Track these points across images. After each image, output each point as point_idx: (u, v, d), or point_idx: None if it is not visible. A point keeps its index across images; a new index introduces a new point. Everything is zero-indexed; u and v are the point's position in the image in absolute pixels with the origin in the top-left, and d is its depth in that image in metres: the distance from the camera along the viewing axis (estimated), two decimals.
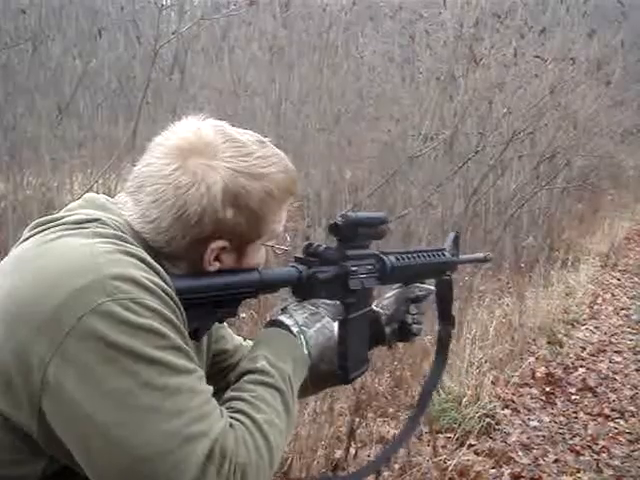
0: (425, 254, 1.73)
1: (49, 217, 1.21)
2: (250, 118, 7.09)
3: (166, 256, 1.23)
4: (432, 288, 1.75)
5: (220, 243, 1.24)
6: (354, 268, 1.49)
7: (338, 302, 1.46)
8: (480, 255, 2.07)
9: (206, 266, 1.25)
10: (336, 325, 1.43)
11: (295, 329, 1.33)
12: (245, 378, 1.23)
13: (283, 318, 1.35)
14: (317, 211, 7.28)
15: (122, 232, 1.18)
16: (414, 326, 1.69)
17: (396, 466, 3.83)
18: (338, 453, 3.74)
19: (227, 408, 1.16)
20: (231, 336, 1.61)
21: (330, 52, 8.16)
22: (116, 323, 1.02)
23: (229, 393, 1.22)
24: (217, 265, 1.26)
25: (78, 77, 5.79)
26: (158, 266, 1.15)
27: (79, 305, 1.02)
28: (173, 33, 5.77)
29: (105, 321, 1.02)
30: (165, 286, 1.12)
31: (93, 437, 1.01)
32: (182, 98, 6.10)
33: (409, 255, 1.68)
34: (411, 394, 4.70)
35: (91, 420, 1.01)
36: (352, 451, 3.81)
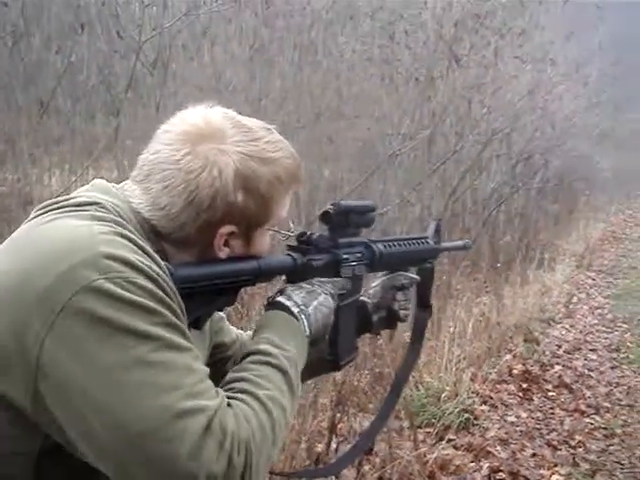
0: (410, 242, 1.76)
1: (54, 200, 1.22)
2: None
3: (176, 242, 1.24)
4: (416, 277, 1.77)
5: (229, 228, 1.25)
6: (345, 256, 1.52)
7: (333, 279, 1.47)
8: (460, 243, 2.11)
9: (216, 251, 1.26)
10: (333, 301, 1.44)
11: (295, 309, 1.34)
12: (248, 359, 1.24)
13: (282, 299, 1.36)
14: (295, 208, 7.29)
15: (121, 217, 1.19)
16: (401, 312, 1.72)
17: (377, 460, 3.85)
18: (320, 447, 3.75)
19: (228, 389, 1.17)
20: (229, 329, 1.62)
21: (310, 50, 8.18)
22: (109, 300, 1.02)
23: (231, 374, 1.22)
24: (227, 251, 1.27)
25: (59, 72, 5.75)
26: (153, 252, 1.16)
27: (72, 282, 1.03)
28: (154, 29, 5.77)
29: (98, 298, 1.02)
30: (159, 271, 1.12)
31: (88, 414, 1.02)
32: (163, 94, 6.08)
33: (395, 243, 1.71)
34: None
35: (86, 396, 1.01)
36: (333, 445, 3.83)
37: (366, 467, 3.76)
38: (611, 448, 4.71)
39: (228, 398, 1.13)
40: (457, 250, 2.17)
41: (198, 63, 7.28)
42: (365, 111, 8.19)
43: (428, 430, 4.40)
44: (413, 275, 1.76)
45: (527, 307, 7.50)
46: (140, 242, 1.14)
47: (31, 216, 1.21)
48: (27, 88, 5.95)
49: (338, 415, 3.93)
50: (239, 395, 1.15)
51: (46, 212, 1.19)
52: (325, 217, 1.50)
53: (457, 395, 4.76)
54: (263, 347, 1.25)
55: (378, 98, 8.26)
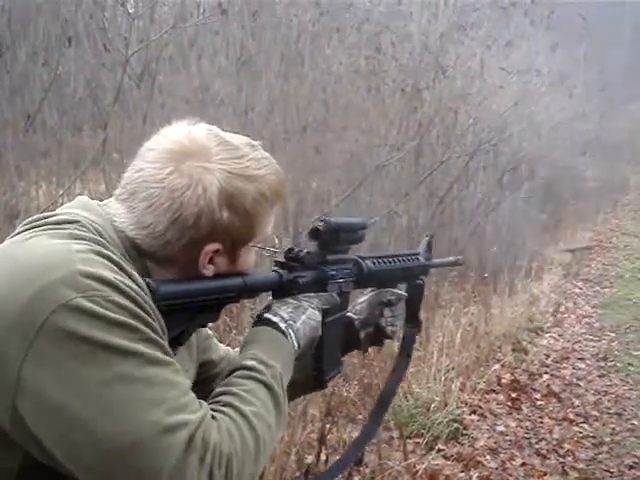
0: (400, 258, 1.77)
1: (37, 216, 1.22)
2: (217, 127, 7.07)
3: (159, 260, 1.23)
4: (404, 293, 1.77)
5: (214, 246, 1.24)
6: (333, 272, 1.51)
7: (319, 293, 1.47)
8: (451, 259, 2.12)
9: (201, 269, 1.26)
10: (320, 315, 1.44)
11: (282, 325, 1.34)
12: (234, 374, 1.24)
13: (269, 316, 1.36)
14: (282, 221, 7.29)
15: (101, 235, 1.18)
16: (388, 328, 1.71)
17: (367, 470, 3.85)
18: (309, 458, 3.75)
19: (215, 402, 1.17)
20: (217, 346, 1.62)
21: (297, 62, 8.20)
22: (87, 318, 1.02)
23: (218, 388, 1.22)
24: (212, 268, 1.27)
25: (45, 85, 5.74)
26: (132, 271, 1.15)
27: (50, 300, 1.02)
28: (141, 41, 5.77)
29: (76, 316, 1.02)
30: (137, 289, 1.12)
31: (72, 432, 1.01)
32: (150, 107, 6.08)
33: (385, 259, 1.71)
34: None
35: (69, 415, 1.01)
36: (323, 457, 3.82)
37: (356, 478, 3.76)
38: (600, 456, 4.73)
39: (213, 411, 1.13)
40: (448, 266, 2.18)
41: (185, 75, 7.28)
42: (352, 123, 8.21)
43: (417, 440, 4.40)
44: (400, 291, 1.76)
45: (515, 317, 7.53)
46: (118, 260, 1.14)
47: (16, 231, 1.21)
48: (13, 101, 5.93)
49: (328, 426, 3.93)
50: (224, 409, 1.15)
51: (29, 229, 1.18)
52: (314, 234, 1.49)
53: (446, 405, 4.77)
54: (249, 363, 1.25)
55: (365, 110, 8.29)
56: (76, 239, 1.14)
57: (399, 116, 7.93)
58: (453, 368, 5.34)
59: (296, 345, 1.35)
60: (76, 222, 1.18)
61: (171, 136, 1.26)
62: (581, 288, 10.89)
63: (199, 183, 1.20)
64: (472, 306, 7.38)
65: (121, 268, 1.13)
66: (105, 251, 1.13)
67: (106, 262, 1.11)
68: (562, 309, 9.21)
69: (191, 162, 1.21)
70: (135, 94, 6.34)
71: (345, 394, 4.55)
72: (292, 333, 1.34)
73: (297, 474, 3.50)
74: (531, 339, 7.37)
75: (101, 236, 1.18)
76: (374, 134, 7.90)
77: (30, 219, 1.21)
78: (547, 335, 7.75)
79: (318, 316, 1.42)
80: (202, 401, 1.13)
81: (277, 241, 1.44)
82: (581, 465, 4.56)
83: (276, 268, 1.44)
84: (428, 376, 5.07)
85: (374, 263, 1.66)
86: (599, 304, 9.83)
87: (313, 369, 1.51)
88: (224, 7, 5.68)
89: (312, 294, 1.45)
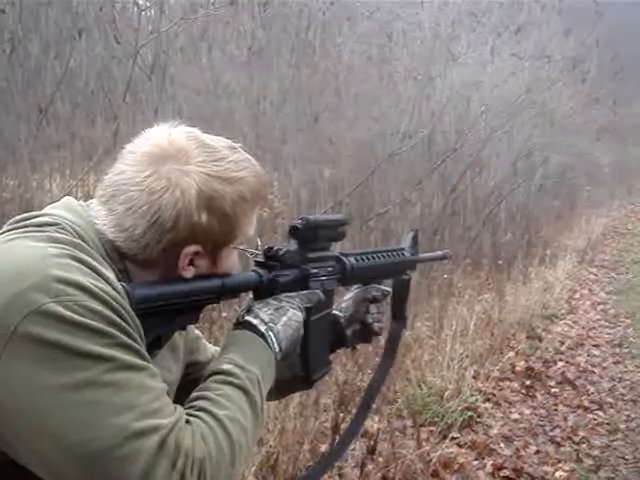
0: (384, 254, 1.75)
1: (22, 216, 1.22)
2: (229, 118, 7.10)
3: (140, 263, 1.24)
4: (389, 289, 1.75)
5: (194, 248, 1.24)
6: (315, 270, 1.50)
7: (301, 292, 1.46)
8: (439, 253, 2.08)
9: (180, 271, 1.26)
10: (302, 315, 1.42)
11: (262, 327, 1.33)
12: (211, 378, 1.24)
13: (249, 318, 1.35)
14: (297, 210, 7.30)
15: (82, 238, 1.19)
16: (375, 324, 1.70)
17: (380, 459, 3.87)
18: (323, 447, 3.76)
19: (190, 407, 1.17)
20: (205, 347, 1.61)
21: (308, 52, 8.19)
22: (59, 323, 1.02)
23: (194, 393, 1.22)
24: (192, 270, 1.27)
25: (58, 78, 5.76)
26: (109, 274, 1.16)
27: (22, 306, 1.02)
28: (152, 33, 5.78)
29: (47, 321, 1.02)
30: (114, 293, 1.12)
31: (42, 436, 1.02)
32: (161, 98, 6.09)
33: (368, 256, 1.69)
34: (393, 389, 4.74)
35: (39, 419, 1.01)
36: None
37: (370, 466, 3.77)
38: (615, 443, 4.72)
39: (188, 415, 1.13)
40: (435, 260, 2.15)
41: (196, 67, 7.29)
42: (364, 111, 8.20)
43: (431, 429, 4.41)
44: (385, 287, 1.74)
45: (529, 304, 7.51)
46: (95, 265, 1.14)
47: (2, 230, 1.21)
48: (26, 94, 5.96)
49: (341, 415, 3.94)
50: (198, 413, 1.15)
51: (12, 229, 1.19)
52: (293, 232, 1.47)
53: (460, 393, 4.77)
54: (226, 367, 1.24)
55: (377, 98, 8.28)
56: (54, 242, 1.14)
57: (411, 104, 7.91)
58: (467, 356, 5.33)
59: (277, 347, 1.33)
60: (56, 225, 1.18)
61: (151, 139, 1.26)
62: (596, 274, 10.84)
63: (177, 186, 1.20)
64: (486, 294, 7.36)
65: (98, 273, 1.13)
66: (82, 255, 1.13)
67: (82, 267, 1.11)
68: (577, 296, 9.17)
69: (170, 165, 1.22)
70: (147, 86, 6.35)
71: (359, 383, 4.56)
72: (272, 335, 1.33)
73: (310, 463, 3.51)
74: (545, 326, 7.35)
75: (82, 239, 1.18)
76: (386, 122, 7.89)
77: (14, 219, 1.22)
78: (561, 322, 7.72)
79: (300, 316, 1.41)
80: (178, 405, 1.14)
81: (260, 242, 1.43)
82: (596, 452, 4.56)
83: (256, 268, 1.43)
84: (442, 364, 5.07)
85: (357, 260, 1.64)
86: (614, 290, 9.79)
87: (300, 369, 1.50)
88: None
89: (293, 293, 1.43)
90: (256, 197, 1.31)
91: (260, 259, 1.45)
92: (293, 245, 1.47)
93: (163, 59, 6.19)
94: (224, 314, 4.44)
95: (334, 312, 1.63)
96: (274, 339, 1.34)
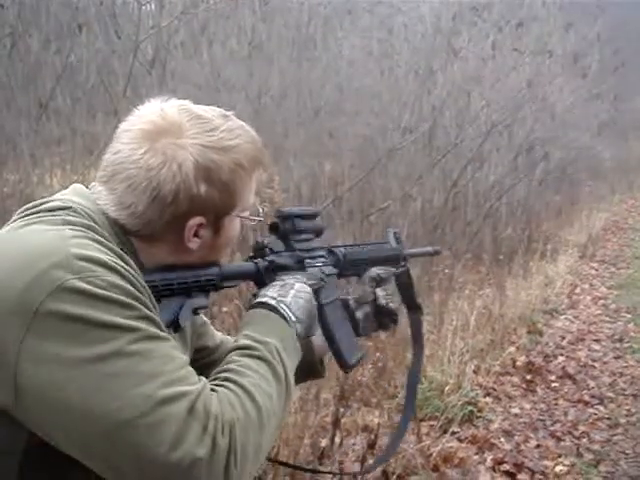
0: (371, 246, 1.79)
1: (32, 203, 1.24)
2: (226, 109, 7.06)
3: (145, 239, 1.26)
4: (392, 269, 1.77)
5: (197, 219, 1.26)
6: (308, 260, 1.54)
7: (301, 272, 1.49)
8: (429, 249, 2.11)
9: (186, 243, 1.28)
10: (309, 288, 1.44)
11: (272, 302, 1.35)
12: (230, 354, 1.26)
13: (258, 299, 1.38)
14: (298, 205, 7.30)
15: (94, 221, 1.21)
16: (390, 305, 1.68)
17: (381, 454, 3.86)
18: (324, 442, 3.77)
19: (212, 379, 1.18)
20: (213, 333, 1.64)
21: (309, 46, 8.19)
22: (83, 298, 1.05)
23: (214, 371, 1.23)
24: (197, 241, 1.29)
25: (58, 73, 5.76)
26: (124, 254, 1.18)
27: (46, 283, 1.04)
28: (152, 27, 5.77)
29: (72, 297, 1.04)
30: (132, 271, 1.15)
31: (72, 411, 1.03)
32: (162, 93, 6.07)
33: (356, 247, 1.73)
34: (394, 384, 4.74)
35: (68, 394, 1.03)
36: (337, 440, 3.84)
37: (370, 461, 3.77)
38: (615, 438, 4.72)
39: (212, 386, 1.15)
40: (426, 255, 2.16)
41: (196, 61, 7.28)
42: (365, 106, 8.20)
43: (432, 423, 4.41)
44: (389, 268, 1.76)
45: (530, 299, 7.51)
46: (109, 244, 1.17)
47: (12, 219, 1.23)
48: (26, 89, 5.96)
49: (342, 410, 3.95)
50: (223, 383, 1.17)
51: (23, 216, 1.21)
52: (273, 227, 1.52)
53: (460, 388, 4.77)
54: (243, 342, 1.26)
55: (378, 92, 8.27)
56: (69, 224, 1.16)
57: (412, 98, 7.91)
58: (467, 351, 5.33)
59: (292, 316, 1.35)
60: (68, 208, 1.21)
61: (144, 116, 1.27)
62: (597, 269, 10.82)
63: (173, 160, 1.22)
64: (487, 288, 7.36)
65: (113, 251, 1.15)
66: (97, 236, 1.16)
67: (99, 246, 1.13)
68: (577, 291, 9.17)
69: (164, 140, 1.23)
70: (147, 80, 6.35)
71: (359, 378, 4.56)
72: (285, 307, 1.35)
73: (311, 458, 3.52)
74: (546, 321, 7.35)
75: (93, 221, 1.21)
76: (387, 117, 7.88)
77: (25, 207, 1.24)
78: (562, 317, 7.72)
79: (307, 288, 1.43)
80: (201, 377, 1.15)
81: (261, 210, 1.45)
82: (596, 447, 4.56)
83: (249, 260, 1.47)
84: (442, 359, 5.07)
85: (346, 249, 1.69)
86: (615, 285, 9.78)
87: (334, 355, 1.52)
88: None
89: (294, 272, 1.48)
90: (253, 163, 1.33)
91: (252, 254, 1.48)
92: (278, 242, 1.51)
93: (163, 54, 6.20)
94: (225, 309, 4.43)
95: (342, 297, 1.65)
96: (287, 310, 1.35)
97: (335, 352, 1.52)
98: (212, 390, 1.13)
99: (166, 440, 1.03)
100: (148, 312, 1.11)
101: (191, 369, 1.14)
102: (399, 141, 7.28)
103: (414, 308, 1.89)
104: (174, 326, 1.29)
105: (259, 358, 1.24)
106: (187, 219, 1.26)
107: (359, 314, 1.66)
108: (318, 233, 1.59)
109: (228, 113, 1.33)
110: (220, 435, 1.08)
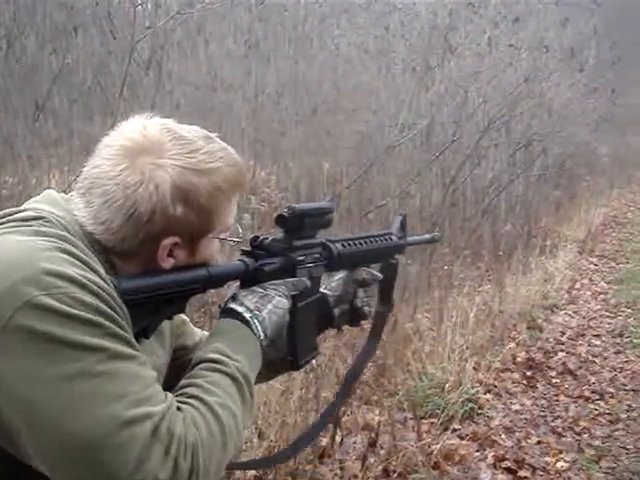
0: (372, 239, 1.75)
1: (3, 212, 1.23)
2: (227, 112, 7.09)
3: (119, 255, 1.25)
4: (379, 275, 1.75)
5: (172, 239, 1.25)
6: (301, 258, 1.52)
7: (287, 280, 1.47)
8: (427, 236, 2.10)
9: (160, 262, 1.26)
10: (288, 302, 1.44)
11: (247, 315, 1.34)
12: (199, 366, 1.25)
13: (234, 306, 1.36)
14: (296, 203, 7.28)
15: (67, 231, 1.19)
16: (364, 308, 1.70)
17: (382, 452, 3.87)
18: (324, 441, 3.77)
19: (179, 394, 1.18)
20: (192, 332, 1.62)
21: (305, 44, 8.18)
22: (50, 315, 1.04)
23: (182, 381, 1.23)
24: (171, 261, 1.27)
25: (54, 74, 5.75)
26: (97, 266, 1.17)
27: (14, 298, 1.04)
28: (148, 28, 5.76)
29: (39, 313, 1.03)
30: (103, 284, 1.13)
31: (37, 429, 1.03)
32: (159, 93, 6.08)
33: (356, 241, 1.70)
34: (394, 382, 4.75)
35: (33, 412, 1.03)
36: (338, 439, 3.84)
37: (371, 459, 3.78)
38: (616, 433, 4.71)
39: (178, 402, 1.15)
40: (424, 243, 2.15)
41: (193, 61, 7.28)
42: (362, 103, 8.20)
43: (432, 420, 4.41)
44: (375, 272, 1.74)
45: (530, 294, 7.50)
46: (83, 256, 1.15)
47: None
48: (23, 90, 5.95)
49: (342, 408, 3.94)
50: (189, 400, 1.17)
51: None
52: (280, 220, 1.49)
53: (461, 385, 4.76)
54: (213, 356, 1.26)
55: (375, 90, 8.27)
56: (41, 236, 1.15)
57: (409, 95, 7.90)
58: (467, 347, 5.33)
59: (262, 334, 1.34)
60: (41, 218, 1.19)
61: (126, 132, 1.26)
62: (596, 264, 10.81)
63: (151, 180, 1.21)
64: (486, 285, 7.36)
65: (86, 264, 1.14)
66: (70, 247, 1.15)
67: (71, 259, 1.12)
68: (577, 286, 9.16)
69: (144, 159, 1.22)
70: (144, 81, 6.34)
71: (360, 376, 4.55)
72: (257, 323, 1.34)
73: (312, 457, 3.52)
74: (546, 317, 7.34)
75: (67, 231, 1.19)
76: (385, 114, 7.88)
77: None
78: (562, 312, 7.71)
79: (285, 303, 1.42)
80: (168, 393, 1.15)
81: (241, 230, 1.44)
82: (597, 442, 4.56)
83: (242, 257, 1.45)
84: (442, 356, 5.07)
85: (344, 246, 1.66)
86: (615, 280, 9.77)
87: (288, 354, 1.51)
88: None
89: (279, 281, 1.45)
90: (233, 186, 1.32)
91: (246, 248, 1.46)
92: (280, 234, 1.49)
93: (160, 54, 6.18)
94: None
95: (322, 290, 1.64)
96: (259, 326, 1.35)
97: (290, 352, 1.51)
98: (178, 408, 1.13)
99: (130, 462, 1.03)
100: (116, 329, 1.10)
101: (158, 387, 1.13)
102: (397, 138, 7.27)
103: (387, 303, 1.86)
104: (145, 334, 1.28)
105: (227, 375, 1.23)
106: (162, 239, 1.24)
107: (336, 311, 1.67)
108: (325, 226, 1.58)
109: (211, 135, 1.32)
110: (182, 458, 1.08)
